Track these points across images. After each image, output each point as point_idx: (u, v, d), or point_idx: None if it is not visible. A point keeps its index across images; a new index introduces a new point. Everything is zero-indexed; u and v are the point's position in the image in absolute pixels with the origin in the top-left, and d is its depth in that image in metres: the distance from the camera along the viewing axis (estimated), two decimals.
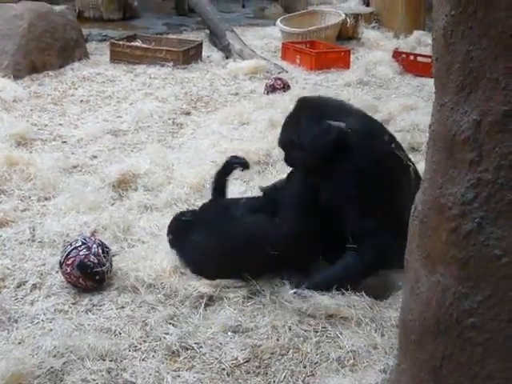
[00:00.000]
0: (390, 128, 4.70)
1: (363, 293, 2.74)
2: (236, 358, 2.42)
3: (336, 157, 2.76)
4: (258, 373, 2.36)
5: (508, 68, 1.40)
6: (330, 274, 2.81)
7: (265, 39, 7.74)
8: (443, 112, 1.60)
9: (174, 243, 2.99)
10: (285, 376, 2.34)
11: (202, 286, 2.75)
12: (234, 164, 3.14)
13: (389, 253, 2.69)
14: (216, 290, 2.76)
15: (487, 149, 1.47)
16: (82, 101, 5.33)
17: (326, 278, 2.80)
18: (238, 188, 3.67)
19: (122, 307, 2.69)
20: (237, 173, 3.25)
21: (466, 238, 1.56)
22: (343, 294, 2.73)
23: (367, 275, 2.81)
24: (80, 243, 2.82)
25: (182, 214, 3.14)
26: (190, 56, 6.46)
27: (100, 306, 2.71)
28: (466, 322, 1.59)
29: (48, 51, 5.97)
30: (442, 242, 1.63)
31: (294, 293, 2.73)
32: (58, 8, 6.30)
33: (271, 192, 3.08)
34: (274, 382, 2.31)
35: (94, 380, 2.27)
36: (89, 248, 2.79)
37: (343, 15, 7.63)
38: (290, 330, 2.57)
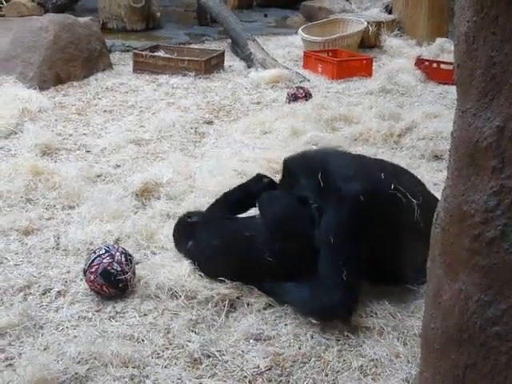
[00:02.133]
0: (413, 136, 4.73)
1: (385, 301, 2.73)
2: (258, 366, 2.42)
3: None
4: (280, 381, 2.35)
5: None
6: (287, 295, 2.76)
7: (287, 48, 7.76)
8: (465, 118, 1.59)
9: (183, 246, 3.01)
10: None
11: (223, 289, 2.76)
12: (260, 185, 3.10)
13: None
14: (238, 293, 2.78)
15: (510, 155, 1.46)
16: (105, 111, 5.39)
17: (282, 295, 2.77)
18: None
19: (145, 314, 2.71)
20: None
21: (488, 245, 1.55)
22: (364, 303, 2.72)
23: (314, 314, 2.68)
24: (103, 251, 2.85)
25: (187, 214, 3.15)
26: (212, 65, 6.51)
27: (123, 313, 2.73)
28: (490, 331, 1.57)
29: (72, 62, 6.05)
30: (465, 249, 1.62)
31: None
32: (82, 20, 6.38)
33: None
34: None
35: None
36: (112, 256, 2.82)
37: (365, 23, 7.62)
38: (311, 338, 2.57)
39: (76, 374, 2.31)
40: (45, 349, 2.46)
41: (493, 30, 1.44)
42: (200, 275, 2.86)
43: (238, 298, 2.78)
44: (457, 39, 1.59)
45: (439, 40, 7.45)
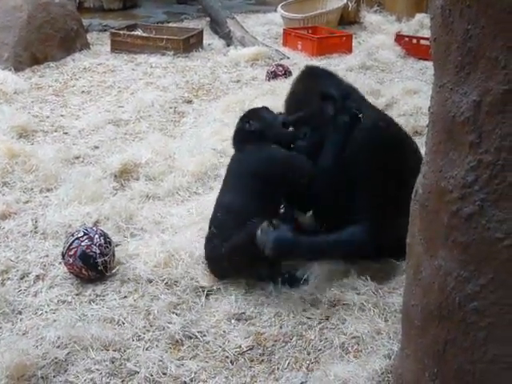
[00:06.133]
0: (394, 112, 4.70)
1: (367, 277, 2.73)
2: (239, 346, 2.41)
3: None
4: (262, 360, 2.35)
5: (507, 46, 1.38)
6: (319, 241, 2.78)
7: (266, 25, 7.68)
8: (442, 93, 1.57)
9: None
10: (288, 363, 2.33)
11: (203, 276, 2.74)
12: None
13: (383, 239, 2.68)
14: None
15: (487, 130, 1.45)
16: (83, 91, 5.31)
17: (314, 242, 2.76)
18: None
19: (125, 297, 2.69)
20: None
21: (467, 221, 1.54)
22: (346, 278, 2.72)
23: (360, 252, 2.79)
24: (82, 234, 2.81)
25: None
26: (190, 44, 6.43)
27: (103, 296, 2.70)
28: (469, 307, 1.58)
29: (48, 42, 5.94)
30: (444, 225, 1.61)
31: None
32: None
33: None
34: (278, 369, 2.30)
35: (97, 370, 2.27)
36: (91, 238, 2.79)
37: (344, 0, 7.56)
38: (293, 317, 2.56)
39: (56, 358, 2.29)
40: (23, 334, 2.43)
41: (468, 2, 1.42)
42: (179, 256, 2.84)
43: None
44: (433, 13, 1.57)
45: (419, 15, 7.41)
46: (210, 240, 2.79)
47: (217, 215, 2.82)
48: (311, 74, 3.14)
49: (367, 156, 2.79)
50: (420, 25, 7.27)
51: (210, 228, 2.82)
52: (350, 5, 7.58)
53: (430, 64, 5.89)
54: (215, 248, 2.73)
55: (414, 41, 6.48)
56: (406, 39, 6.53)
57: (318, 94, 2.93)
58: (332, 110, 2.88)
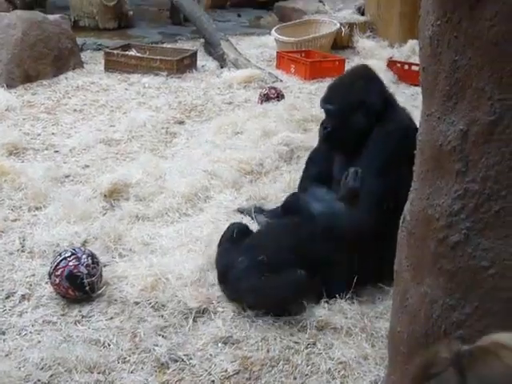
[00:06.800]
0: None
1: (354, 301, 2.72)
2: (226, 370, 2.39)
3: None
4: None
5: (493, 77, 1.39)
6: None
7: (260, 48, 7.73)
8: (430, 122, 1.58)
9: None
10: None
11: (190, 299, 2.73)
12: None
13: None
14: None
15: (474, 159, 1.46)
16: (75, 110, 5.31)
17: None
18: (229, 195, 3.67)
19: (111, 318, 2.67)
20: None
21: (453, 249, 1.55)
22: (333, 303, 2.72)
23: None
24: (69, 254, 2.80)
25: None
26: (184, 65, 6.45)
27: (89, 317, 2.68)
28: (454, 335, 1.57)
29: (42, 60, 5.95)
30: (430, 253, 1.62)
31: None
32: (51, 17, 6.27)
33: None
34: None
35: None
36: (78, 258, 2.77)
37: (338, 24, 7.63)
38: (280, 341, 2.55)
39: (39, 380, 2.26)
40: (6, 355, 2.40)
41: (456, 33, 1.44)
42: (166, 279, 2.82)
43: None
44: (421, 43, 1.59)
45: (411, 42, 7.47)
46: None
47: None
48: (357, 72, 3.23)
49: None
50: (412, 51, 7.33)
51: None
52: (343, 30, 7.65)
53: (421, 90, 5.98)
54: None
55: (406, 67, 6.54)
56: (398, 65, 6.59)
57: (352, 96, 2.99)
58: (364, 121, 2.93)
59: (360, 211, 2.82)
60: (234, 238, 2.96)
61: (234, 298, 2.77)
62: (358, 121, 2.96)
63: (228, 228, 3.08)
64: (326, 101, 3.17)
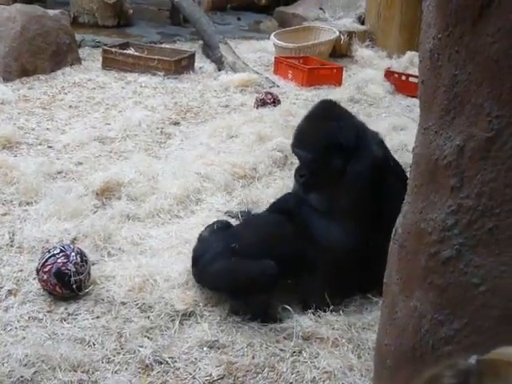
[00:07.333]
0: None
1: (341, 313, 2.71)
2: (210, 375, 2.38)
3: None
4: None
5: (492, 94, 1.39)
6: None
7: (258, 53, 7.72)
8: (427, 135, 1.58)
9: None
10: None
11: (178, 301, 2.71)
12: None
13: None
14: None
15: (469, 175, 1.45)
16: (70, 106, 5.28)
17: None
18: (221, 199, 3.66)
19: (98, 317, 2.65)
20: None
21: (444, 264, 1.54)
22: (320, 313, 2.71)
23: None
24: (58, 251, 2.78)
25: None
26: (182, 66, 6.44)
27: (75, 315, 2.66)
28: (443, 350, 1.56)
29: (40, 55, 5.92)
30: (421, 267, 1.61)
31: None
32: (51, 12, 6.25)
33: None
34: None
35: None
36: (67, 256, 2.75)
37: (337, 32, 7.64)
38: (266, 348, 2.54)
39: (22, 377, 2.24)
40: None
41: (457, 48, 1.43)
42: (154, 280, 2.81)
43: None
44: (421, 56, 1.58)
45: (409, 53, 7.50)
46: None
47: None
48: (324, 111, 3.11)
49: None
50: (410, 62, 7.35)
51: None
52: (343, 38, 7.66)
53: (417, 101, 5.98)
54: None
55: (403, 77, 6.55)
56: (396, 75, 6.60)
57: (327, 140, 2.89)
58: (340, 162, 2.85)
59: (342, 230, 2.81)
60: (215, 230, 2.97)
61: (201, 281, 2.78)
62: (335, 163, 2.87)
63: (212, 223, 3.09)
64: (298, 146, 3.03)
